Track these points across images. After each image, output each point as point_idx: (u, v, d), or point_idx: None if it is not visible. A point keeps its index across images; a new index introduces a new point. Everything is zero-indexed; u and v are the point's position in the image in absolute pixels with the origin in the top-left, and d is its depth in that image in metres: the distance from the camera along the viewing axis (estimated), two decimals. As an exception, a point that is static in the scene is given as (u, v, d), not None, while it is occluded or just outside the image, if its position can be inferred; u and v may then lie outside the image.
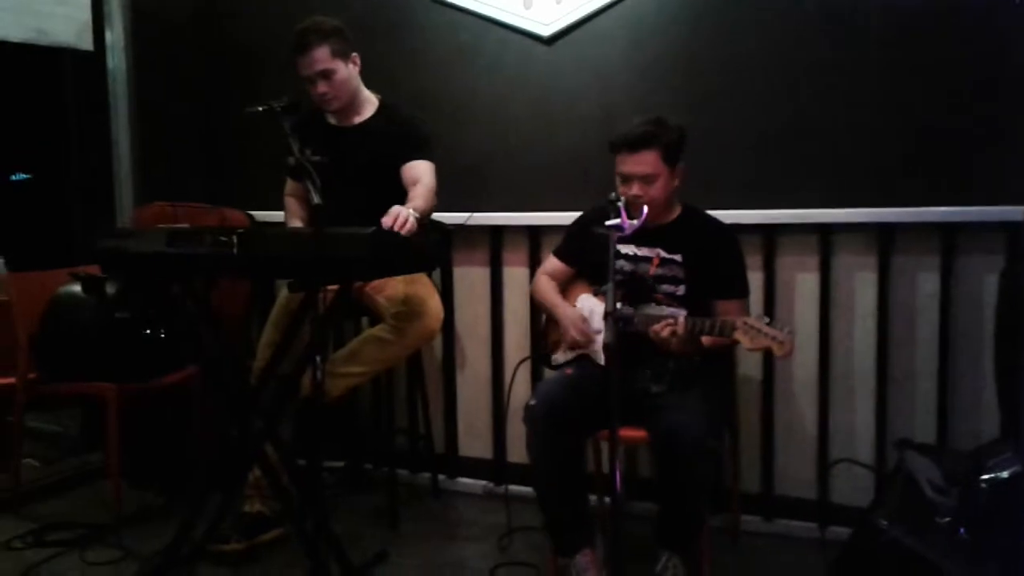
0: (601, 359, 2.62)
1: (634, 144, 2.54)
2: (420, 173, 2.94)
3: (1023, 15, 2.41)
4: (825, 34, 2.87)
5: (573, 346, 2.73)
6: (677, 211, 2.70)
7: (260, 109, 2.61)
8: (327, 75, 2.89)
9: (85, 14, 3.65)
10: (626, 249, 2.65)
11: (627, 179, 2.57)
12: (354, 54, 2.96)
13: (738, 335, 2.36)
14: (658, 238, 2.65)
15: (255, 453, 2.58)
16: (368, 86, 3.10)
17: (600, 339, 2.63)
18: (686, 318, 2.45)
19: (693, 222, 2.70)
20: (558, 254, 2.92)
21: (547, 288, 2.88)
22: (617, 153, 2.58)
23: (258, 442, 2.55)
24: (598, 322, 2.69)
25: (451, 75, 3.41)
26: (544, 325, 2.96)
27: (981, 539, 2.09)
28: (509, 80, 3.32)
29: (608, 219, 2.26)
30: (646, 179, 2.54)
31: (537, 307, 3.08)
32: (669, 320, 2.45)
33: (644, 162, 2.53)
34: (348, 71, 2.94)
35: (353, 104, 3.02)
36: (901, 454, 2.48)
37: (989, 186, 2.69)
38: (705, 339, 2.52)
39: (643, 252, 2.67)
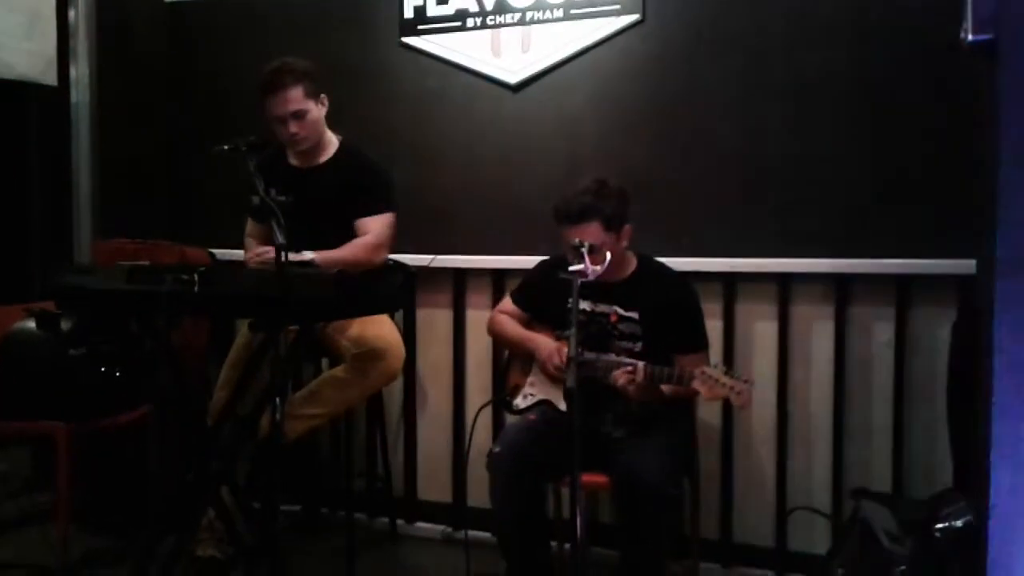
0: (562, 404, 2.63)
1: (575, 217, 2.54)
2: (368, 228, 2.98)
3: (974, 73, 2.48)
4: (787, 89, 2.94)
5: (553, 376, 2.70)
6: (632, 266, 2.72)
7: (226, 148, 2.61)
8: (299, 116, 2.89)
9: (50, 49, 3.63)
10: (584, 305, 2.66)
11: (575, 249, 2.48)
12: (323, 95, 2.98)
13: (696, 384, 2.39)
14: (614, 295, 2.67)
15: (210, 496, 2.53)
16: (337, 128, 3.11)
17: (561, 383, 2.64)
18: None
19: (648, 277, 2.72)
20: (515, 298, 2.93)
21: (510, 323, 2.88)
22: (561, 224, 2.58)
23: (214, 484, 2.51)
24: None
25: (419, 119, 3.43)
26: (505, 368, 2.96)
27: (936, 588, 2.11)
28: (477, 125, 3.36)
29: (570, 265, 2.28)
30: (591, 249, 2.48)
31: (500, 342, 3.06)
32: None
33: (586, 233, 2.51)
34: (318, 112, 2.96)
35: (316, 146, 3.03)
36: (857, 503, 2.50)
37: (943, 239, 2.75)
38: (665, 387, 2.54)
39: (600, 309, 2.68)
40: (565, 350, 2.59)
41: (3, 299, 3.31)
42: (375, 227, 2.99)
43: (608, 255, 2.45)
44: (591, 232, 2.52)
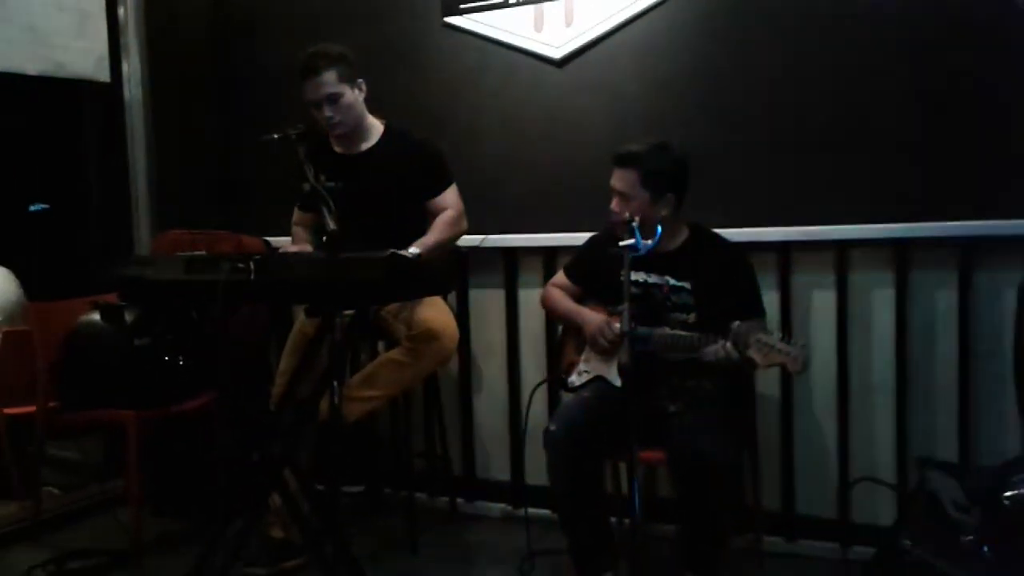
0: (617, 380, 2.62)
1: (618, 159, 2.59)
2: (445, 204, 3.04)
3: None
4: (840, 48, 2.87)
5: (601, 352, 2.71)
6: (684, 236, 2.69)
7: (275, 136, 2.66)
8: (334, 99, 2.91)
9: (102, 46, 3.71)
10: (636, 276, 2.63)
11: (613, 192, 2.60)
12: (360, 80, 2.99)
13: (751, 352, 2.36)
14: (666, 265, 2.64)
15: (275, 479, 2.58)
16: (380, 111, 3.12)
17: (615, 359, 2.63)
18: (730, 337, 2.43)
19: (700, 246, 2.68)
20: (568, 272, 2.93)
21: (562, 297, 2.89)
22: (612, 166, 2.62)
23: (277, 468, 2.56)
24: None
25: (464, 99, 3.43)
26: (559, 346, 2.95)
27: (1005, 557, 2.07)
28: (520, 102, 3.34)
29: (618, 241, 2.27)
30: (622, 196, 2.56)
31: (552, 317, 3.08)
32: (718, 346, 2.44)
33: (622, 179, 2.56)
34: (354, 96, 2.97)
35: (358, 131, 3.05)
36: (923, 472, 2.46)
37: (1006, 200, 2.67)
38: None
39: (653, 279, 2.66)
40: (615, 325, 2.61)
41: (68, 293, 3.40)
42: (450, 200, 3.06)
43: (659, 229, 2.42)
44: (626, 178, 2.55)
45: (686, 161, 2.61)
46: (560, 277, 2.95)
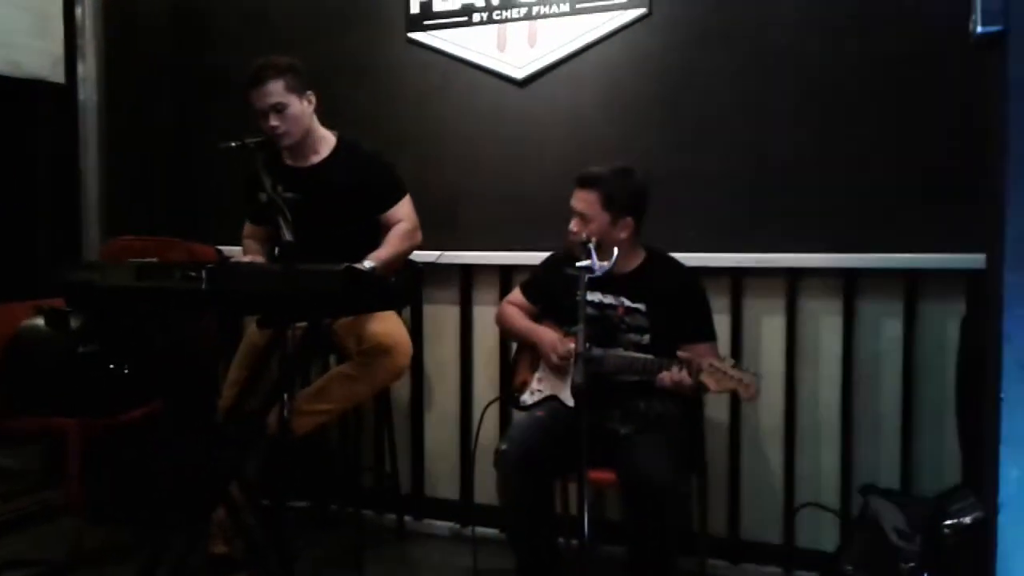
0: (570, 400, 2.63)
1: (580, 180, 2.63)
2: (399, 216, 3.03)
3: (982, 65, 2.47)
4: (796, 82, 2.93)
5: (554, 369, 2.73)
6: (640, 258, 2.72)
7: (233, 145, 2.64)
8: (279, 109, 2.90)
9: (59, 47, 3.65)
10: (592, 296, 2.66)
11: (573, 213, 2.63)
12: (309, 92, 2.98)
13: (704, 377, 2.39)
14: (622, 286, 2.67)
15: (220, 492, 2.54)
16: (340, 125, 3.11)
17: (568, 378, 2.64)
18: (688, 363, 2.45)
19: (656, 269, 2.72)
20: (524, 290, 2.94)
21: (517, 315, 2.91)
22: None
23: (223, 481, 2.52)
24: (568, 364, 2.69)
25: (425, 115, 3.43)
26: (512, 364, 2.96)
27: (945, 584, 2.11)
28: (482, 120, 3.35)
29: (575, 261, 2.29)
30: (582, 217, 2.60)
31: (506, 334, 3.09)
32: (674, 371, 2.45)
33: (583, 200, 2.60)
34: (301, 108, 2.95)
35: (308, 143, 3.03)
36: (866, 499, 2.50)
37: (952, 234, 2.73)
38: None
39: (608, 300, 2.68)
40: (569, 343, 2.64)
41: (12, 296, 3.33)
42: (404, 212, 3.05)
43: (615, 251, 2.45)
44: (588, 199, 2.59)
45: (647, 187, 2.66)
46: (516, 295, 2.96)
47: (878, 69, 2.84)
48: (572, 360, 2.50)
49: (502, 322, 2.97)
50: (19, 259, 4.00)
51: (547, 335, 2.76)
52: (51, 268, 3.80)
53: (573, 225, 2.61)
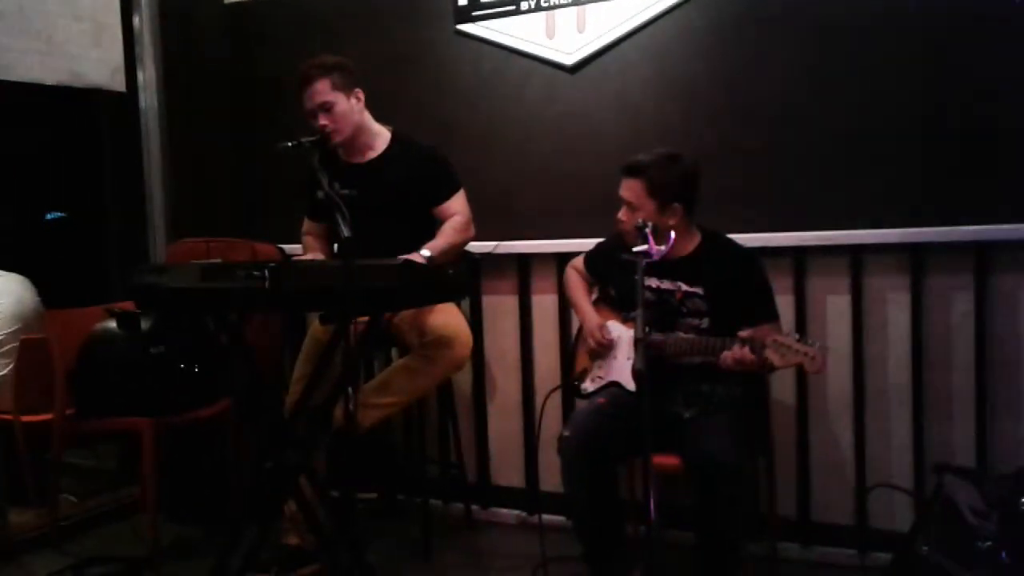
0: (631, 385, 2.61)
1: (625, 169, 2.61)
2: (453, 210, 3.04)
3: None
4: (855, 53, 2.86)
5: (591, 352, 2.75)
6: (696, 241, 2.68)
7: (289, 145, 2.69)
8: (327, 108, 2.94)
9: (118, 56, 3.73)
10: (649, 282, 2.63)
11: (621, 202, 2.62)
12: (357, 89, 3.00)
13: (768, 353, 2.35)
14: (679, 271, 2.64)
15: (290, 486, 2.59)
16: (392, 119, 3.14)
17: (629, 364, 2.62)
18: (748, 342, 2.42)
19: (712, 251, 2.67)
20: (586, 259, 2.97)
21: (577, 284, 2.95)
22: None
23: (293, 475, 2.56)
24: (628, 349, 2.68)
25: (476, 106, 3.44)
26: (572, 350, 2.96)
27: (1023, 563, 2.06)
28: (533, 109, 3.35)
29: (632, 245, 2.27)
30: (629, 206, 2.58)
31: (567, 297, 3.09)
32: (735, 350, 2.43)
33: (629, 188, 2.58)
34: (349, 105, 2.98)
35: (361, 140, 3.06)
36: (940, 478, 2.44)
37: (1020, 203, 2.65)
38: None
39: (665, 285, 2.66)
40: (609, 326, 2.70)
41: (85, 301, 3.43)
42: (457, 206, 3.06)
43: (672, 235, 2.43)
44: (633, 188, 2.57)
45: (695, 172, 2.61)
46: (579, 261, 2.99)
47: (938, 38, 2.76)
48: (631, 344, 2.48)
49: (565, 287, 3.03)
50: (90, 265, 4.13)
51: (591, 319, 2.79)
52: (120, 272, 3.90)
53: (621, 214, 2.61)
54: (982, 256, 2.76)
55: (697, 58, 3.08)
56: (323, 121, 2.94)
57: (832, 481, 3.00)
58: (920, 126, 2.80)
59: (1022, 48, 2.61)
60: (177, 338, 3.22)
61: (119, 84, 3.76)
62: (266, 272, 2.23)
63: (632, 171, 2.58)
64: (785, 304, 2.87)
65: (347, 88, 2.97)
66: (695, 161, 2.63)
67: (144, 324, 3.17)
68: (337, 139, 2.99)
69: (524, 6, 3.32)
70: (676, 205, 2.57)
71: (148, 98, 3.83)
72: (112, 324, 3.18)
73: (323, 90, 2.93)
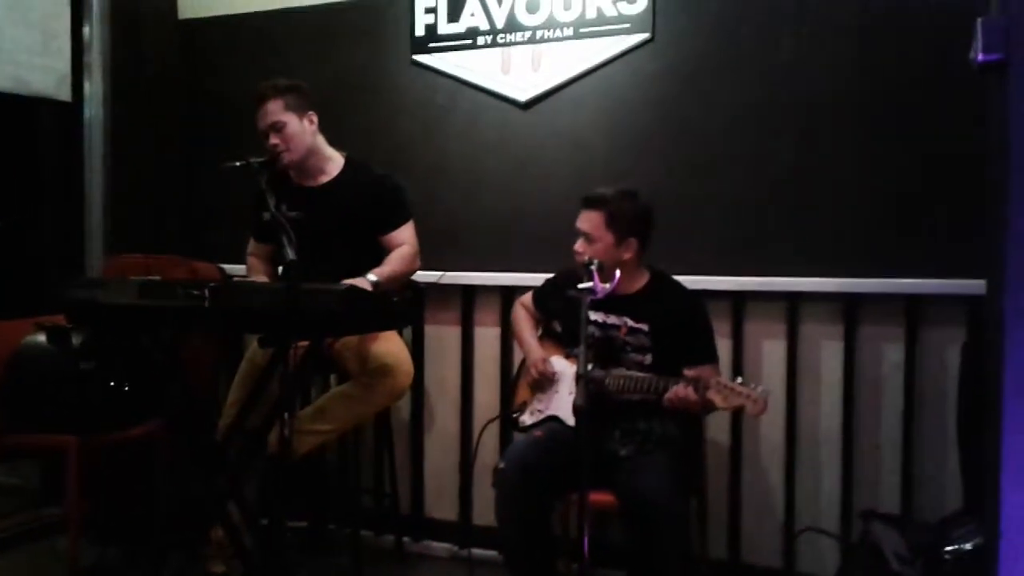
0: (570, 420, 2.62)
1: (586, 201, 2.65)
2: (400, 239, 3.04)
3: (984, 92, 2.49)
4: (797, 107, 2.95)
5: (531, 387, 2.76)
6: (644, 279, 2.73)
7: (237, 164, 2.68)
8: (278, 128, 2.94)
9: (65, 65, 3.67)
10: (595, 316, 2.67)
11: (579, 233, 2.65)
12: (311, 112, 3.01)
13: (711, 394, 2.38)
14: (625, 307, 2.67)
15: (218, 511, 2.53)
16: (344, 145, 3.13)
17: (570, 399, 2.64)
18: (694, 381, 2.45)
19: (659, 290, 2.72)
20: (534, 297, 2.99)
21: (523, 319, 2.98)
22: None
23: (222, 499, 2.51)
24: (569, 384, 2.69)
25: (429, 136, 3.45)
26: (513, 383, 2.96)
27: (946, 611, 2.10)
28: (485, 143, 3.37)
29: (579, 282, 2.29)
30: (587, 237, 2.63)
31: (512, 333, 3.11)
32: (680, 386, 2.45)
33: (589, 220, 2.62)
34: (301, 127, 2.98)
35: (311, 162, 3.05)
36: (867, 524, 2.49)
37: (953, 259, 2.75)
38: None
39: (611, 320, 2.69)
40: (551, 361, 2.74)
41: (14, 313, 3.32)
42: (406, 236, 3.07)
43: (618, 273, 2.46)
44: (593, 220, 2.61)
45: (651, 210, 2.67)
46: (527, 298, 3.01)
47: (879, 94, 2.86)
48: (573, 379, 2.50)
49: (512, 322, 3.06)
50: (22, 276, 4.00)
51: (533, 352, 2.83)
52: (54, 285, 3.79)
53: (578, 246, 2.64)
54: (913, 309, 2.85)
55: (648, 102, 3.15)
56: (274, 141, 2.94)
57: (762, 523, 3.04)
58: (858, 182, 2.89)
59: (962, 111, 2.71)
60: (109, 354, 3.14)
61: (65, 94, 3.70)
62: (206, 291, 2.21)
63: (593, 203, 2.63)
64: (723, 347, 2.92)
65: (300, 110, 2.97)
66: (651, 200, 2.69)
67: (75, 339, 3.09)
68: (288, 160, 2.98)
69: (480, 41, 3.36)
70: (632, 239, 2.61)
71: (93, 109, 3.77)
72: (42, 338, 3.09)
73: (275, 110, 2.93)
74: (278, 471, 2.81)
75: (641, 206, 2.65)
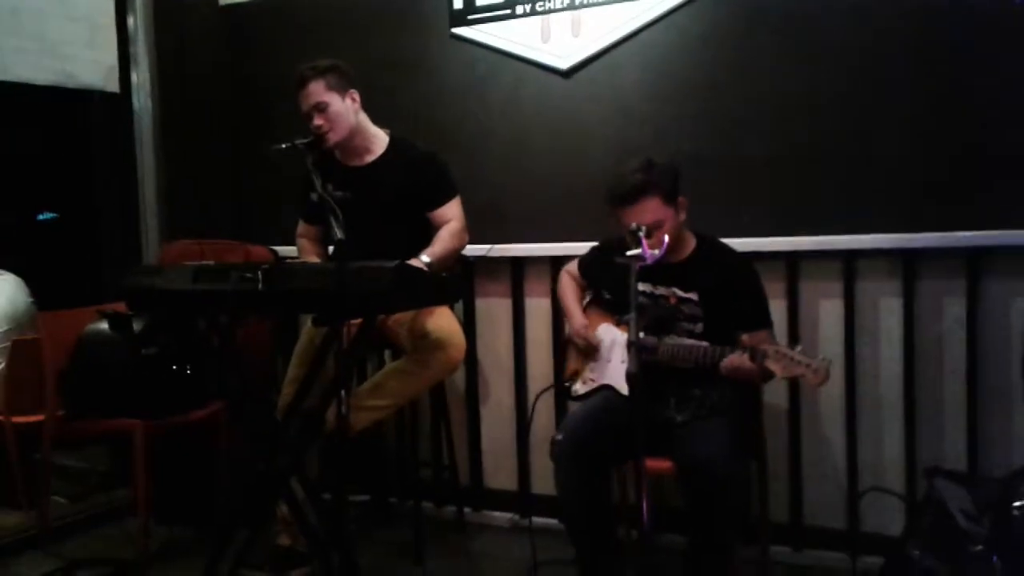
0: (624, 389, 2.62)
1: (630, 197, 2.50)
2: (448, 216, 3.05)
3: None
4: (846, 58, 2.88)
5: (582, 356, 2.76)
6: (690, 246, 2.68)
7: (284, 147, 2.69)
8: (322, 108, 2.95)
9: (112, 57, 3.73)
10: (643, 287, 2.64)
11: (633, 232, 2.44)
12: (352, 91, 3.01)
13: (769, 363, 2.34)
14: (673, 277, 2.63)
15: (281, 488, 2.58)
16: (387, 123, 3.14)
17: (622, 367, 2.63)
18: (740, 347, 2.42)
19: (707, 256, 2.67)
20: (580, 266, 2.96)
21: (569, 287, 2.95)
22: (616, 208, 2.54)
23: (284, 477, 2.55)
24: (621, 352, 2.68)
25: (471, 109, 3.44)
26: (564, 352, 2.96)
27: (1015, 566, 2.06)
28: (527, 113, 3.35)
29: (626, 249, 2.26)
30: (649, 229, 2.44)
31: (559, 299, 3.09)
32: (736, 355, 2.42)
33: (646, 211, 2.48)
34: (344, 106, 2.99)
35: (358, 142, 3.06)
36: (931, 482, 2.45)
37: (1013, 210, 2.67)
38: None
39: (660, 291, 2.66)
40: (603, 328, 2.73)
41: (76, 302, 3.41)
42: (454, 212, 3.07)
43: (666, 238, 2.42)
44: (651, 209, 2.48)
45: (676, 164, 2.60)
46: (573, 266, 2.98)
47: (931, 42, 2.77)
48: (625, 347, 2.48)
49: (558, 290, 3.02)
50: (82, 266, 4.11)
51: (576, 319, 2.82)
52: (113, 273, 3.89)
53: (647, 245, 2.26)
54: (973, 263, 2.77)
55: (691, 63, 3.09)
56: (318, 122, 2.95)
57: (824, 485, 3.01)
58: (914, 134, 2.82)
59: (1019, 59, 2.62)
60: (169, 340, 3.21)
61: (113, 85, 3.76)
62: (259, 274, 2.23)
63: (642, 193, 2.48)
64: (778, 309, 2.88)
65: (342, 89, 2.98)
66: (662, 156, 2.62)
67: (136, 326, 3.16)
68: (332, 140, 2.99)
69: (519, 10, 3.32)
70: (681, 199, 2.57)
71: (142, 99, 3.83)
72: (104, 325, 3.17)
73: (317, 91, 2.94)
74: (337, 447, 2.86)
75: (669, 165, 2.57)
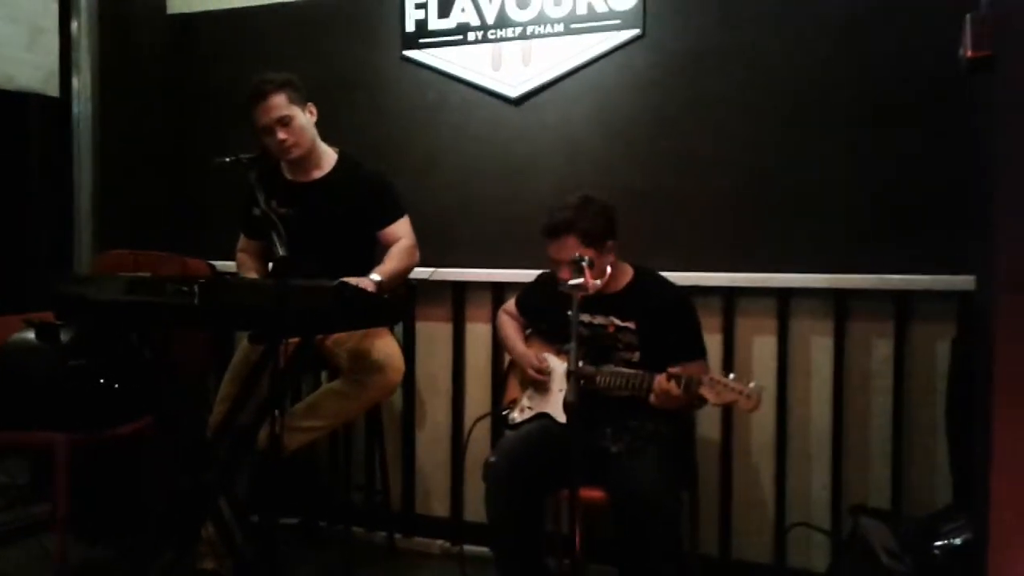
0: (561, 417, 2.63)
1: (553, 232, 2.57)
2: (399, 233, 3.03)
3: (973, 89, 2.51)
4: (787, 104, 2.96)
5: (535, 385, 2.76)
6: (628, 277, 2.72)
7: (227, 160, 2.65)
8: (286, 122, 2.92)
9: (53, 61, 3.66)
10: (582, 317, 2.66)
11: (555, 262, 2.59)
12: (310, 104, 3.00)
13: (703, 390, 2.39)
14: (610, 306, 2.67)
15: (209, 508, 2.52)
16: (337, 142, 3.12)
17: (560, 396, 2.64)
18: (667, 375, 2.45)
19: (645, 287, 2.72)
20: (517, 303, 2.97)
21: (509, 325, 2.95)
22: (544, 238, 2.61)
23: (212, 497, 2.50)
24: (560, 381, 2.70)
25: (420, 132, 3.44)
26: (504, 380, 2.96)
27: (935, 605, 2.11)
28: (476, 139, 3.37)
29: (563, 279, 2.28)
30: (567, 263, 2.49)
31: (500, 340, 3.09)
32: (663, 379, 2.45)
33: (563, 247, 2.55)
34: (306, 119, 2.97)
35: (310, 157, 3.04)
36: (856, 520, 2.50)
37: (942, 255, 2.76)
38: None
39: (598, 320, 2.69)
40: (545, 358, 2.73)
41: (2, 309, 3.31)
42: (404, 230, 3.06)
43: (608, 269, 2.45)
44: (569, 246, 2.53)
45: (611, 206, 2.65)
46: (511, 304, 3.00)
47: (869, 90, 2.86)
48: (564, 376, 2.50)
49: (498, 329, 3.02)
50: (10, 272, 3.98)
51: (526, 356, 2.81)
52: (42, 281, 3.77)
53: (563, 273, 2.47)
54: (902, 304, 2.85)
55: (639, 98, 3.14)
56: (281, 136, 2.91)
57: (753, 519, 3.05)
58: (847, 179, 2.89)
59: (951, 108, 2.72)
60: (98, 351, 3.12)
61: (53, 89, 3.68)
62: (196, 288, 2.19)
63: (559, 230, 2.56)
64: (714, 343, 2.93)
65: (301, 103, 2.96)
66: (603, 195, 2.67)
67: (64, 336, 3.07)
68: (297, 153, 2.96)
69: (471, 37, 3.35)
70: (609, 243, 2.60)
71: (82, 105, 3.75)
72: (30, 334, 3.07)
73: (279, 104, 2.90)
74: (268, 468, 2.81)
75: (601, 207, 2.62)
